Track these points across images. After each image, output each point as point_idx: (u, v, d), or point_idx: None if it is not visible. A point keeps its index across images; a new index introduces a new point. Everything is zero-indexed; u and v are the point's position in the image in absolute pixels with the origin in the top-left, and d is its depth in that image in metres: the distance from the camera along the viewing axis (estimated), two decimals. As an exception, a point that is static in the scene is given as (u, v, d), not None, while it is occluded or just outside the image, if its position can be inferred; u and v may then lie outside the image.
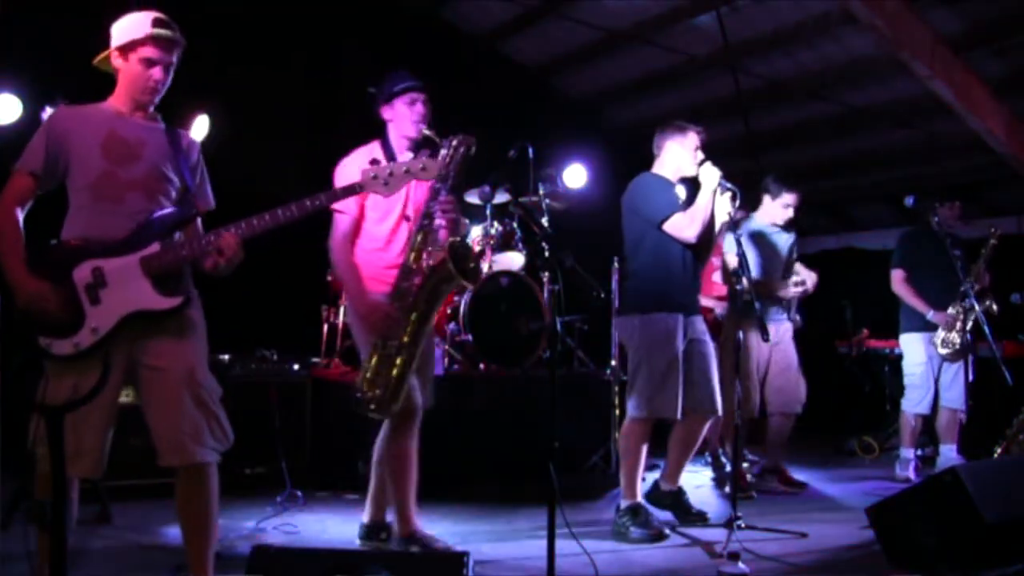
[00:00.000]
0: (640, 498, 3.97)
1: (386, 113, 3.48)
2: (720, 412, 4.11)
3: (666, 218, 3.96)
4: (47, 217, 2.64)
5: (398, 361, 3.20)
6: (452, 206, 3.31)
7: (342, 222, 3.38)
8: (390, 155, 3.39)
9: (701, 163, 4.01)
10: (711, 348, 4.14)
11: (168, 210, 2.60)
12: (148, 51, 2.57)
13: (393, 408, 3.23)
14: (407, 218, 3.42)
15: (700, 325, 4.12)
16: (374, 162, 2.80)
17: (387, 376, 3.19)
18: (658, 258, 4.01)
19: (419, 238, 3.31)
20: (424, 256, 3.29)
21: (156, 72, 2.59)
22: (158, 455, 2.55)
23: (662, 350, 3.91)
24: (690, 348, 4.04)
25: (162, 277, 2.51)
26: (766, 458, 5.17)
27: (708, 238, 4.06)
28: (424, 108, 3.43)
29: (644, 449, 3.98)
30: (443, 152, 3.31)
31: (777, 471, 5.06)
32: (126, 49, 2.59)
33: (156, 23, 2.59)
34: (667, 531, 3.91)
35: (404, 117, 3.42)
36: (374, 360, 3.23)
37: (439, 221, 3.32)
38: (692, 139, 4.08)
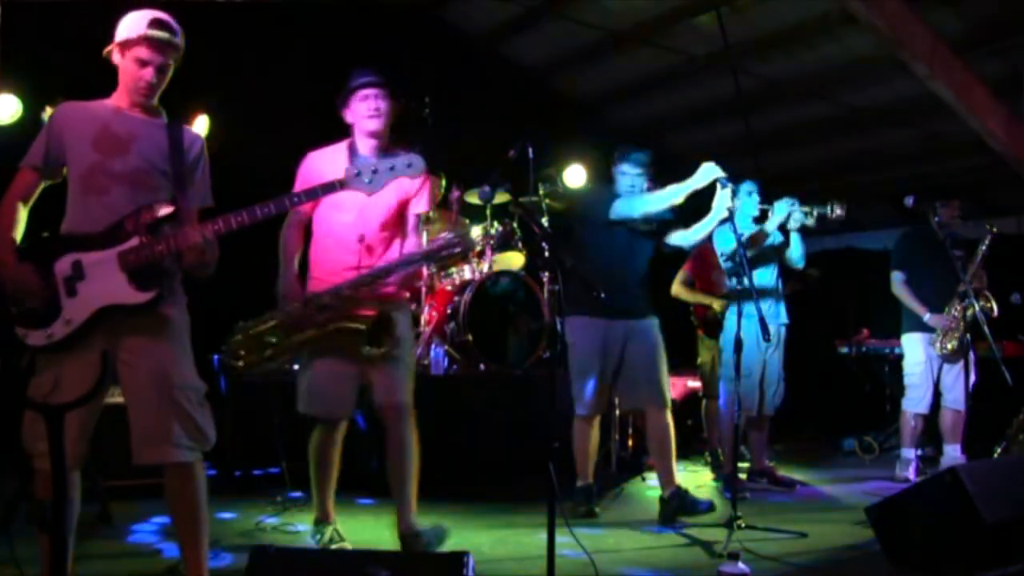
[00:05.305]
0: (590, 479, 4.30)
1: (348, 117, 3.39)
2: (668, 403, 4.24)
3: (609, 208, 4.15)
4: (52, 212, 2.65)
5: (268, 352, 3.16)
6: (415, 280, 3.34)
7: (295, 214, 3.34)
8: (355, 155, 3.33)
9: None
10: (653, 345, 4.22)
11: (153, 204, 2.56)
12: (141, 51, 2.57)
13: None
14: (361, 238, 3.30)
15: (639, 325, 4.22)
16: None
17: (255, 349, 3.15)
18: (594, 264, 4.12)
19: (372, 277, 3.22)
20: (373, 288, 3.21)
21: (147, 73, 2.58)
22: (132, 453, 2.54)
23: (581, 353, 4.20)
24: (628, 349, 4.18)
25: (139, 272, 2.49)
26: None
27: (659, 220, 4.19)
28: (380, 102, 3.30)
29: (590, 442, 4.29)
30: (446, 236, 3.27)
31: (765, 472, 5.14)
32: (123, 47, 2.60)
33: (152, 24, 2.57)
34: (597, 511, 4.24)
35: (360, 114, 3.32)
36: (259, 328, 3.15)
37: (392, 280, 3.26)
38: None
